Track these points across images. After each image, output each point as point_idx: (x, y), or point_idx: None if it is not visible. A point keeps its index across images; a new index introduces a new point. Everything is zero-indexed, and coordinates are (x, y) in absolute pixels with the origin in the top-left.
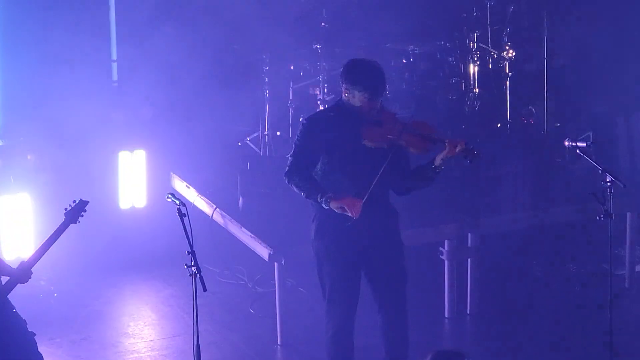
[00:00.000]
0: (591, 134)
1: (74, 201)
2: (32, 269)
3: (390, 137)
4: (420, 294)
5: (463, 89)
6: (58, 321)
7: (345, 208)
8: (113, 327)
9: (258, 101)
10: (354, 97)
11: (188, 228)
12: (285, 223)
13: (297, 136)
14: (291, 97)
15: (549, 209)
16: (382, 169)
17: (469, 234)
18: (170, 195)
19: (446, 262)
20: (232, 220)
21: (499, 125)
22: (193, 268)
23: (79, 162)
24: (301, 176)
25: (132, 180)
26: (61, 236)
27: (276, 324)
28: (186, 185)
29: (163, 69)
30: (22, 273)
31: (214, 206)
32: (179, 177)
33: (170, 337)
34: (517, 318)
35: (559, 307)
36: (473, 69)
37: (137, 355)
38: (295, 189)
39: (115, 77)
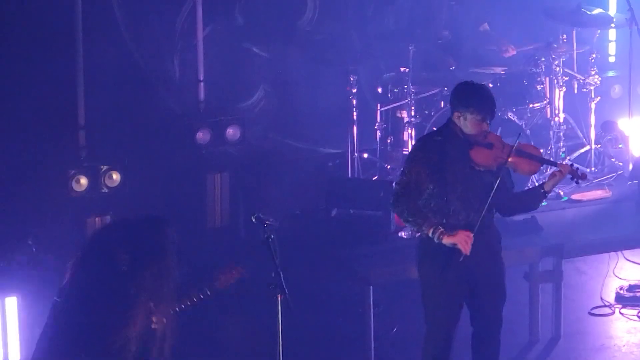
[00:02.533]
0: None
1: None
2: None
3: (500, 159)
4: (508, 316)
5: (548, 114)
6: None
7: (458, 245)
8: None
9: (345, 123)
10: (466, 120)
11: (274, 250)
12: (372, 244)
13: (407, 164)
14: (378, 120)
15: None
16: (492, 194)
17: (551, 258)
18: (256, 216)
19: (529, 285)
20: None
21: (583, 150)
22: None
23: (166, 183)
24: (410, 209)
25: (219, 201)
26: None
27: (362, 344)
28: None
29: (246, 91)
30: None
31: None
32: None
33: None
34: (595, 341)
35: None
36: (559, 93)
37: None
38: (402, 221)
39: (201, 97)
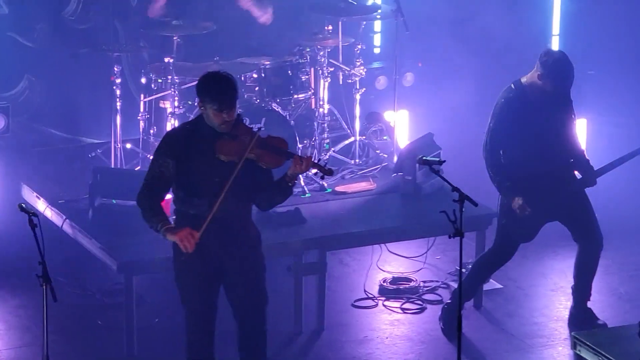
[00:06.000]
0: (441, 151)
1: None
2: None
3: (244, 151)
4: (273, 308)
5: (313, 105)
6: None
7: (178, 243)
8: None
9: (109, 113)
10: (206, 110)
11: (39, 238)
12: (135, 235)
13: (154, 156)
14: (142, 110)
15: None
16: (227, 186)
17: (315, 250)
18: (21, 205)
19: (293, 278)
20: (82, 231)
21: (348, 142)
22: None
23: None
24: (150, 202)
25: None
26: None
27: (124, 335)
28: (36, 196)
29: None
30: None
31: (64, 217)
32: (29, 187)
33: (17, 347)
34: (358, 333)
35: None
36: (324, 84)
37: None
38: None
39: None
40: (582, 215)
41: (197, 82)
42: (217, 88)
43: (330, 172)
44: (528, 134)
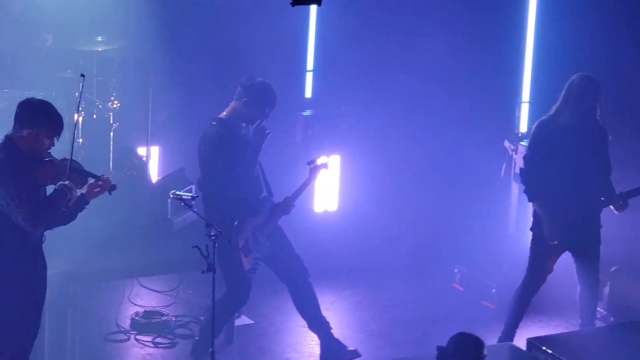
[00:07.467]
0: (193, 187)
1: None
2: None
3: (61, 174)
4: None
5: (67, 138)
6: None
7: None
8: None
9: None
10: (39, 137)
11: None
12: None
13: (9, 183)
14: None
15: None
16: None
17: (68, 283)
18: None
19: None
20: None
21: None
22: None
23: None
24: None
25: None
26: None
27: None
28: None
29: None
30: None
31: None
32: None
33: None
34: None
35: None
36: (78, 119)
37: None
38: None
39: None
40: (278, 256)
41: (30, 110)
42: (58, 117)
43: (114, 188)
44: (242, 171)
